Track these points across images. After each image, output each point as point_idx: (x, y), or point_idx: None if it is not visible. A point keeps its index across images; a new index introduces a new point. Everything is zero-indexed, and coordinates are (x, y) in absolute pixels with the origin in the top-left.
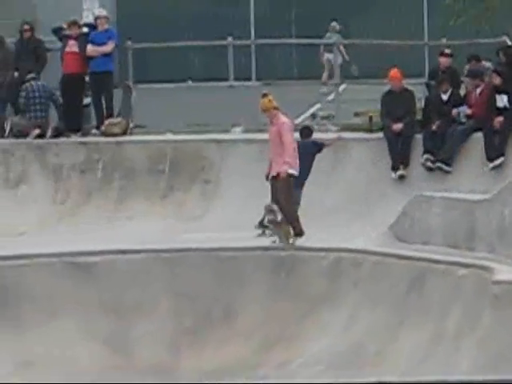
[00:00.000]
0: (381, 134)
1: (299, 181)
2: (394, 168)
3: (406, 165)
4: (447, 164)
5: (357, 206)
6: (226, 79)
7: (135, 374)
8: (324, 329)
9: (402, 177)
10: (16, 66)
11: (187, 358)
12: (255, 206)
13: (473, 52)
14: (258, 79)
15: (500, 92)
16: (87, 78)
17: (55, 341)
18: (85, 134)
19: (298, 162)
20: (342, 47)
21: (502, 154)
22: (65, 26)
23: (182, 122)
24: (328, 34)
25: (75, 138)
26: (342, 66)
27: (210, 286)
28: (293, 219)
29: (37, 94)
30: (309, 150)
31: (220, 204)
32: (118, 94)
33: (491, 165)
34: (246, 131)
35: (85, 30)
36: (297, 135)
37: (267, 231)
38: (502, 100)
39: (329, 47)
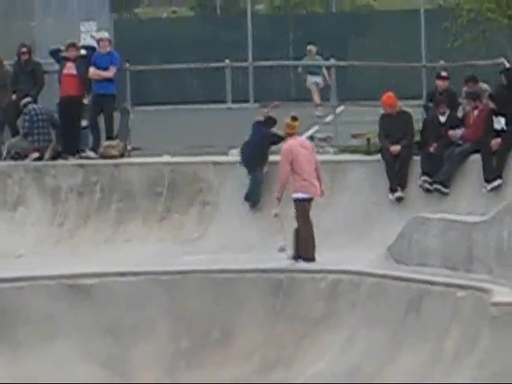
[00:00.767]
0: (379, 156)
1: (253, 166)
2: (392, 190)
3: (403, 186)
4: (445, 186)
5: (355, 228)
6: (224, 101)
7: None
8: (322, 350)
9: (399, 199)
10: (14, 88)
11: (185, 380)
12: (253, 228)
13: (471, 73)
14: (255, 101)
15: (497, 114)
16: (85, 101)
17: (53, 363)
18: (82, 157)
19: (300, 184)
20: (324, 70)
21: (500, 176)
22: (63, 48)
23: (179, 145)
24: (306, 58)
25: (73, 161)
26: (324, 89)
27: (208, 308)
28: (302, 242)
29: (40, 117)
30: (267, 140)
31: (218, 226)
32: (115, 116)
33: (489, 186)
34: None
35: (83, 52)
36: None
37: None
38: (499, 122)
39: (312, 69)
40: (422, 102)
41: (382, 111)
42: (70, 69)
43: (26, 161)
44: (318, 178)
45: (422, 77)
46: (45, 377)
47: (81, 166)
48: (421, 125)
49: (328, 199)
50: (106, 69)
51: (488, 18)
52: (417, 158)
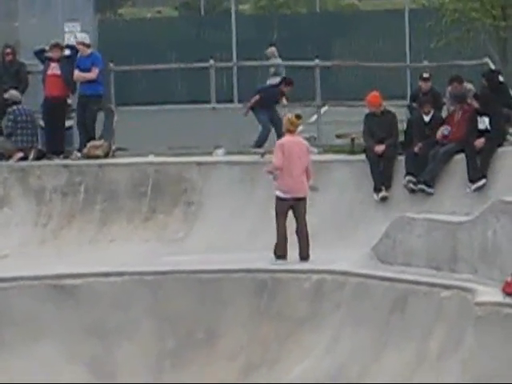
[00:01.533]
0: (363, 156)
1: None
2: (376, 190)
3: (388, 186)
4: (429, 186)
5: (339, 228)
6: (208, 101)
7: None
8: (307, 350)
9: (384, 198)
10: None
11: (170, 380)
12: (237, 228)
13: (455, 73)
14: (240, 101)
15: (481, 114)
16: (69, 101)
17: (38, 363)
18: (67, 157)
19: (284, 182)
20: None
21: (484, 176)
22: (47, 48)
23: (164, 145)
24: (271, 60)
25: (57, 161)
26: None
27: (192, 308)
28: (278, 239)
29: (24, 118)
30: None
31: (202, 226)
32: (99, 116)
33: (473, 186)
34: (228, 153)
35: (67, 52)
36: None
37: None
38: (483, 122)
39: (278, 71)
40: (406, 102)
41: (366, 111)
42: (54, 69)
43: (10, 161)
44: (307, 180)
45: (406, 77)
46: (30, 377)
47: (65, 166)
48: (405, 125)
49: (312, 199)
50: (88, 70)
51: (472, 18)
52: (401, 158)
